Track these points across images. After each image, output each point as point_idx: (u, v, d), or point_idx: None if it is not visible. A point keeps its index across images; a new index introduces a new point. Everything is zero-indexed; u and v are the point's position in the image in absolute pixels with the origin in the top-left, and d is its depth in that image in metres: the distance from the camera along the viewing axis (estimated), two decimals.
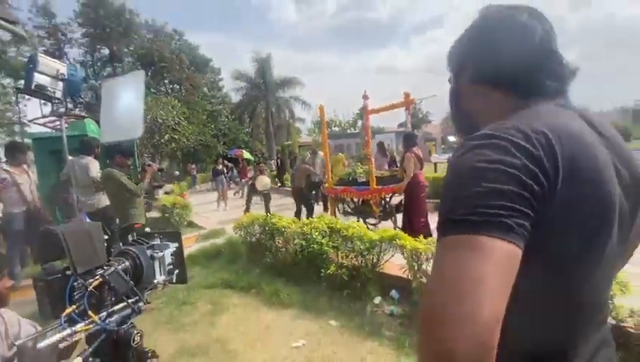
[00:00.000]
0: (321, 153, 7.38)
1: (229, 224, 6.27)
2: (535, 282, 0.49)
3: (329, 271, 3.29)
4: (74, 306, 0.98)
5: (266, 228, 4.31)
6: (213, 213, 9.21)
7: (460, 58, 0.70)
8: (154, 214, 8.28)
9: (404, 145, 5.05)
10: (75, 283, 0.99)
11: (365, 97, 5.32)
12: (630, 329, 1.78)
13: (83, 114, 12.66)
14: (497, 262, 0.43)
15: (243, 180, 12.31)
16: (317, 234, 3.56)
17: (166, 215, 6.93)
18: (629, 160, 0.59)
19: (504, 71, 0.62)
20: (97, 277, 1.05)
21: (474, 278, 0.42)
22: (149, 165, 3.83)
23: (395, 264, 3.21)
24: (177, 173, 18.13)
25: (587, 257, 0.53)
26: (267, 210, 6.95)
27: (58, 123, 3.98)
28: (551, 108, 0.59)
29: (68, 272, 1.01)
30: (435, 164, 10.09)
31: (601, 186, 0.52)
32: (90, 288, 1.01)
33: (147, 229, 3.75)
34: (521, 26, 0.61)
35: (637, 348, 1.75)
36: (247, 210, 7.95)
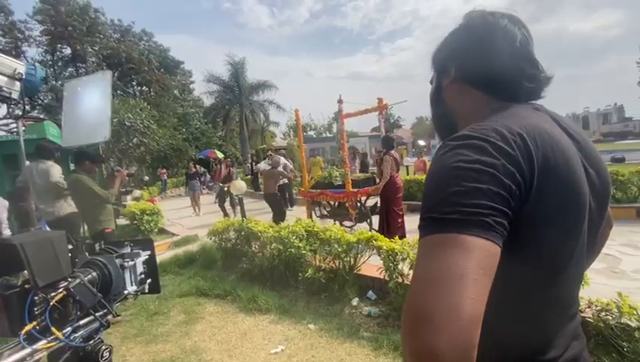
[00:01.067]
0: (282, 159, 7.47)
1: (202, 230, 6.09)
2: (512, 277, 0.51)
3: (307, 274, 3.27)
4: (34, 322, 0.90)
5: (242, 233, 4.24)
6: (186, 220, 8.91)
7: (444, 58, 0.71)
8: (122, 221, 7.88)
9: (383, 147, 5.13)
10: (36, 298, 0.91)
11: (340, 102, 5.38)
12: (589, 319, 1.90)
13: (41, 116, 11.86)
14: (478, 260, 0.44)
15: (214, 183, 12.05)
16: (294, 237, 3.53)
17: (135, 222, 6.61)
18: (598, 162, 0.63)
19: (486, 71, 0.64)
20: (61, 290, 0.97)
21: (455, 276, 0.43)
22: (118, 171, 3.68)
23: (371, 265, 3.24)
24: (147, 178, 17.41)
25: (561, 252, 0.56)
26: (243, 214, 6.81)
27: (14, 126, 3.70)
28: (527, 110, 0.62)
29: (27, 286, 0.92)
30: (407, 166, 10.36)
31: (573, 185, 0.54)
32: (53, 302, 0.93)
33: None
34: (503, 30, 0.63)
35: (594, 337, 1.87)
36: (226, 214, 7.75)
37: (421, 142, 26.77)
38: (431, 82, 0.76)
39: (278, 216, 6.03)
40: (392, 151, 4.94)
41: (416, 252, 0.50)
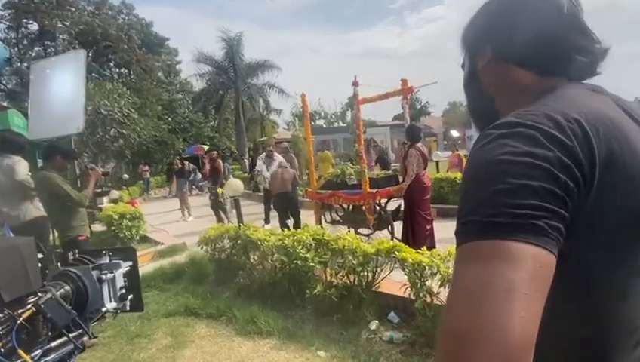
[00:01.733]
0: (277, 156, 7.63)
1: (191, 238, 6.16)
2: (563, 292, 0.50)
3: (315, 291, 3.28)
4: None
5: (239, 242, 4.27)
6: (173, 225, 9.04)
7: (476, 36, 0.72)
8: (98, 227, 8.03)
9: (407, 139, 5.11)
10: (0, 315, 0.94)
11: (356, 84, 5.36)
12: None
13: (4, 104, 12.19)
14: (528, 271, 0.44)
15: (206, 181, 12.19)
16: (300, 247, 3.54)
17: (113, 228, 6.74)
18: None
19: (529, 44, 0.64)
20: (29, 306, 1.00)
21: (501, 291, 0.42)
22: (92, 169, 3.74)
23: (394, 281, 3.23)
24: (126, 176, 17.72)
25: (626, 263, 0.55)
26: (239, 219, 6.90)
27: None
28: (584, 92, 0.61)
29: None
30: (437, 162, 10.26)
31: None
32: (20, 320, 0.96)
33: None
34: None
35: None
36: (220, 219, 7.84)
37: (454, 133, 26.52)
38: (462, 66, 0.77)
39: (298, 222, 6.15)
40: (419, 144, 4.91)
41: (453, 263, 0.50)
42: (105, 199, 10.51)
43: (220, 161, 9.52)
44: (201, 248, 4.69)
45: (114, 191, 11.34)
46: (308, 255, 3.48)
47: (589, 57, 0.64)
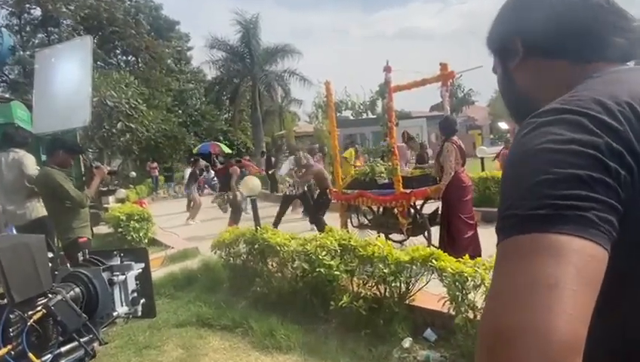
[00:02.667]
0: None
1: (204, 242, 6.29)
2: (609, 297, 0.49)
3: (341, 303, 3.29)
4: (9, 346, 0.99)
5: (256, 247, 4.34)
6: (183, 228, 9.27)
7: (504, 34, 0.75)
8: (103, 229, 8.34)
9: (442, 133, 5.06)
10: (11, 316, 1.01)
11: (388, 70, 5.33)
12: None
13: (7, 96, 12.81)
14: (576, 265, 0.44)
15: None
16: (324, 253, 3.57)
17: (120, 230, 6.98)
18: None
19: (561, 34, 0.66)
20: (39, 307, 1.06)
21: (545, 287, 0.43)
22: (97, 167, 3.84)
23: (430, 294, 3.21)
24: (134, 174, 18.27)
25: None
26: (256, 222, 7.02)
27: None
28: (633, 72, 0.63)
29: (1, 301, 1.02)
30: (482, 158, 10.05)
31: None
32: (31, 322, 1.02)
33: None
34: None
35: None
36: (235, 221, 8.02)
37: (503, 125, 25.83)
38: (494, 70, 0.80)
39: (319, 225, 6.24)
40: (455, 138, 4.85)
41: (494, 261, 0.51)
42: (111, 198, 10.88)
43: (237, 168, 9.70)
44: (215, 253, 4.80)
45: (121, 190, 11.72)
46: (332, 262, 3.50)
47: (629, 36, 0.65)
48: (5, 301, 1.04)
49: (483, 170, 9.19)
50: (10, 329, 1.00)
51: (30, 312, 1.04)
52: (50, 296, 1.09)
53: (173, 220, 10.45)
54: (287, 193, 7.97)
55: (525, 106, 0.74)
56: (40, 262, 1.07)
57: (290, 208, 9.82)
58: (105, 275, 1.24)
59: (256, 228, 4.49)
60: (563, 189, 0.47)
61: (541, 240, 0.46)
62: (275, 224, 8.05)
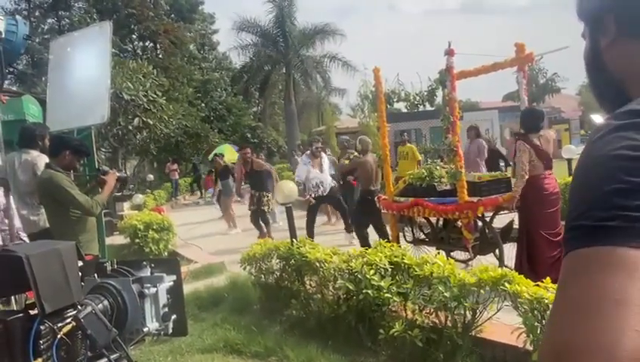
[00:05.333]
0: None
1: (231, 256, 6.46)
2: None
3: (392, 331, 3.29)
4: (39, 360, 1.11)
5: (291, 263, 4.41)
6: (207, 239, 9.50)
7: (596, 8, 0.74)
8: (117, 239, 8.71)
9: (521, 128, 4.98)
10: (42, 327, 1.13)
11: (450, 53, 5.28)
12: None
13: (18, 90, 13.64)
14: None
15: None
16: (372, 272, 3.59)
17: (137, 240, 7.27)
18: None
19: None
20: (69, 319, 1.18)
21: (612, 303, 0.47)
22: (104, 173, 3.85)
23: (502, 324, 3.18)
24: (151, 176, 18.90)
25: None
26: (292, 233, 7.12)
27: None
28: None
29: (32, 312, 1.15)
30: (569, 160, 9.70)
31: None
32: (61, 334, 1.14)
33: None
34: None
35: None
36: (263, 234, 8.15)
37: (597, 118, 24.75)
38: (583, 36, 0.80)
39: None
40: (534, 135, 4.74)
41: (559, 275, 0.55)
42: (126, 205, 11.29)
43: (261, 160, 9.55)
44: (244, 269, 4.91)
45: (137, 195, 12.18)
46: (382, 283, 3.51)
47: None
48: (34, 311, 1.17)
49: (570, 174, 8.85)
50: (41, 342, 1.12)
51: (60, 324, 1.16)
52: (79, 307, 1.20)
53: (194, 230, 10.74)
54: (313, 196, 8.02)
55: (612, 94, 0.75)
56: (71, 270, 1.19)
57: (326, 218, 9.91)
58: (134, 287, 1.34)
59: (292, 241, 4.55)
60: (637, 200, 0.50)
61: (610, 253, 0.49)
62: (309, 235, 8.12)
